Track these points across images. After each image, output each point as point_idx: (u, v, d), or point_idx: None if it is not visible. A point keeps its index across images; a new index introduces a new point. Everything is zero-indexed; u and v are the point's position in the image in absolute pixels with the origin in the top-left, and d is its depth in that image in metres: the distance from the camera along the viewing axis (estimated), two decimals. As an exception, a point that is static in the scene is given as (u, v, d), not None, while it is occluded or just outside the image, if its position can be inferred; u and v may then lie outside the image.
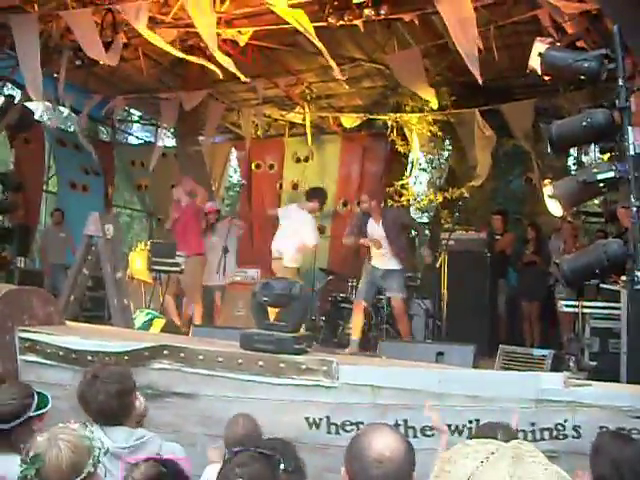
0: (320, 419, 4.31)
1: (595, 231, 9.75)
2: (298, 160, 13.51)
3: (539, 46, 5.41)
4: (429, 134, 11.04)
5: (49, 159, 13.44)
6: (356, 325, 8.56)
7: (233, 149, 14.87)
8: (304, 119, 12.21)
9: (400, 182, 11.21)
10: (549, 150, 5.40)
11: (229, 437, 3.60)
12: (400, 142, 11.39)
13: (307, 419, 4.32)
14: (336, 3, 8.72)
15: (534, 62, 5.41)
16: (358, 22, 8.68)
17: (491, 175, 11.10)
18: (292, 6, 7.85)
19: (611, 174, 4.76)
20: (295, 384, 4.41)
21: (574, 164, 12.92)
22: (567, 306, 7.75)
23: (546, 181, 5.29)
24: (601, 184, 4.81)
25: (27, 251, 12.57)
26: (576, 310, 7.53)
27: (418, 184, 12.62)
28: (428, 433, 4.09)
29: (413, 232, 9.91)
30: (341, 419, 4.25)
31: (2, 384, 3.58)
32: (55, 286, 10.04)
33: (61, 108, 12.53)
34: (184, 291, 9.93)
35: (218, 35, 8.65)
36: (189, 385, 4.67)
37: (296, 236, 9.43)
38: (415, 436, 4.10)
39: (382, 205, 9.01)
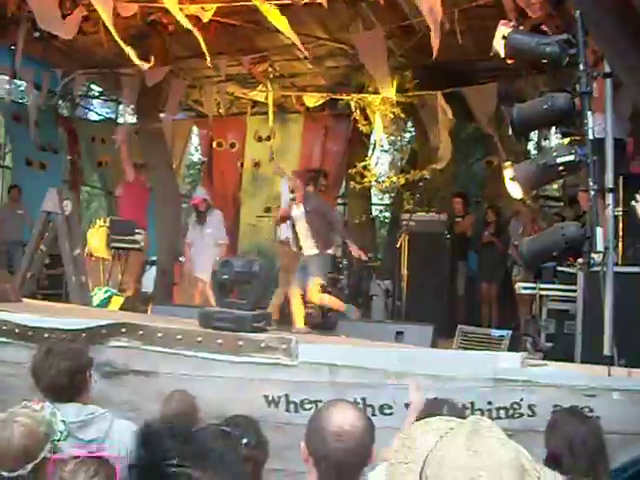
0: (279, 397, 4.32)
1: (552, 214, 9.87)
2: (260, 139, 13.43)
3: (503, 29, 5.40)
4: (392, 116, 11.02)
5: (5, 135, 13.18)
6: (297, 313, 8.22)
7: (195, 127, 14.74)
8: (267, 98, 12.12)
9: (362, 163, 11.20)
10: (510, 133, 5.43)
11: (163, 414, 3.56)
12: (363, 123, 11.36)
13: (266, 397, 4.32)
14: (300, -20, 8.63)
15: (497, 45, 5.42)
16: (322, 0, 8.61)
17: (453, 158, 11.15)
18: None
19: (571, 158, 4.80)
20: (254, 362, 4.42)
21: (535, 148, 13.05)
22: (525, 288, 7.86)
23: (506, 164, 5.31)
24: (561, 168, 4.85)
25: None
26: (534, 292, 7.63)
27: (380, 165, 12.64)
28: (386, 411, 4.13)
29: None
30: (300, 397, 4.26)
31: None
32: (12, 263, 9.90)
33: (18, 82, 12.26)
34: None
35: (181, 11, 8.52)
36: (148, 363, 4.64)
37: None
38: (373, 414, 4.13)
39: (306, 188, 8.80)
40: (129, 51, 8.21)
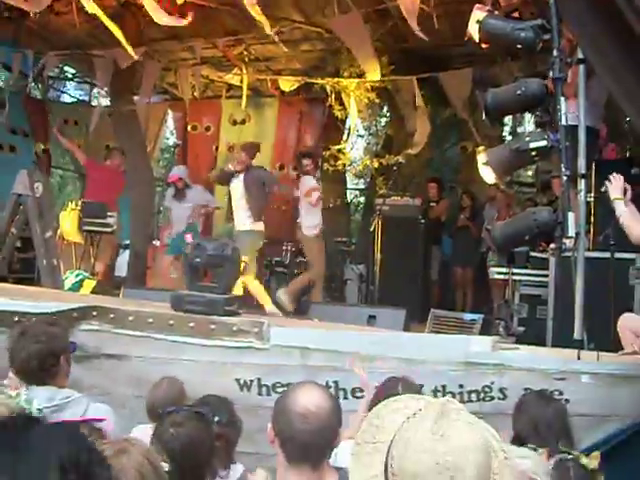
0: (251, 381, 4.32)
1: (525, 200, 9.93)
2: (235, 122, 13.35)
3: (477, 14, 5.40)
4: (367, 100, 11.01)
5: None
6: (260, 295, 8.27)
7: (169, 110, 14.63)
8: (242, 81, 12.05)
9: (337, 146, 11.18)
10: (484, 118, 5.43)
11: (152, 401, 3.54)
12: (338, 107, 11.35)
13: (238, 380, 4.32)
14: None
15: (472, 29, 5.42)
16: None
17: (428, 143, 11.17)
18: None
19: (543, 143, 4.82)
20: (226, 345, 4.41)
21: (509, 134, 13.10)
22: (498, 273, 7.91)
23: (480, 148, 5.33)
24: (533, 153, 4.86)
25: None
26: (506, 277, 7.69)
27: (355, 150, 12.62)
28: (358, 395, 4.14)
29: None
30: (272, 381, 4.27)
31: None
32: (-17, 247, 9.76)
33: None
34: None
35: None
36: (119, 346, 4.62)
37: None
38: (345, 397, 4.15)
39: (249, 162, 8.84)
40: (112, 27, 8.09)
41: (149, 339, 4.56)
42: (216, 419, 2.87)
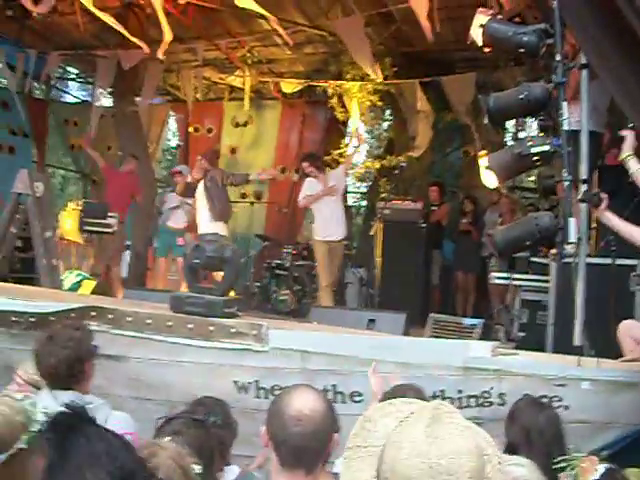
0: (249, 383, 4.30)
1: (527, 205, 9.89)
2: (237, 125, 13.38)
3: (480, 18, 5.40)
4: (369, 103, 11.01)
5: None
6: None
7: (171, 111, 14.64)
8: (244, 83, 12.05)
9: (338, 150, 11.17)
10: (486, 122, 5.42)
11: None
12: (340, 110, 11.34)
13: (236, 383, 4.30)
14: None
15: (475, 33, 5.41)
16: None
17: (430, 147, 11.16)
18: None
19: (546, 148, 4.80)
20: (224, 348, 4.39)
21: (512, 139, 13.06)
22: (499, 278, 7.89)
23: (481, 152, 5.32)
24: (535, 157, 4.85)
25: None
26: (507, 282, 7.66)
27: (357, 153, 12.59)
28: (357, 399, 4.12)
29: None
30: (270, 384, 4.24)
31: None
32: (-17, 247, 9.74)
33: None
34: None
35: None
36: (117, 347, 4.59)
37: None
38: (344, 402, 4.13)
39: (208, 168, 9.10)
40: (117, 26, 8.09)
41: (147, 340, 4.53)
42: (211, 419, 2.85)
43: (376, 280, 9.48)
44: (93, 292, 8.19)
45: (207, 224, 8.71)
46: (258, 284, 10.09)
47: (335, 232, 8.81)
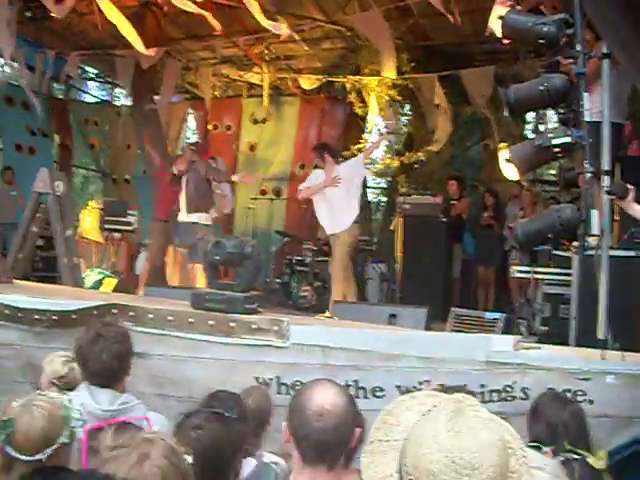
0: (270, 379, 4.29)
1: (548, 198, 9.82)
2: (256, 122, 13.38)
3: (499, 9, 5.35)
4: (388, 98, 10.97)
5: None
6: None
7: (190, 109, 14.67)
8: (262, 80, 12.05)
9: (357, 146, 11.14)
10: (506, 114, 5.38)
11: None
12: (359, 105, 11.32)
13: (257, 379, 4.30)
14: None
15: (494, 25, 5.36)
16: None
17: (449, 141, 11.11)
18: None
19: (566, 139, 4.76)
20: (246, 344, 4.39)
21: (532, 132, 12.97)
22: (520, 272, 7.83)
23: (502, 145, 5.30)
24: (556, 149, 4.80)
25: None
26: (529, 276, 7.61)
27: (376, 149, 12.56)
28: (378, 394, 4.11)
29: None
30: (291, 379, 4.23)
31: None
32: (6, 246, 9.83)
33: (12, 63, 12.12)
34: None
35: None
36: (139, 344, 4.56)
37: None
38: (365, 397, 4.11)
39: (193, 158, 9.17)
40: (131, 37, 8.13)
41: (169, 337, 4.54)
42: (231, 414, 2.84)
43: (397, 275, 9.45)
44: (114, 290, 8.24)
45: (184, 214, 8.82)
46: (279, 280, 10.10)
47: (336, 225, 8.17)
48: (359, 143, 11.33)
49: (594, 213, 4.56)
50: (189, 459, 2.08)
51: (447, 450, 1.32)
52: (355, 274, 10.43)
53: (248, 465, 3.01)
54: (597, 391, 3.89)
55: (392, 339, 4.29)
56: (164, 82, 11.84)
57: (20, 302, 4.88)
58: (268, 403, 3.48)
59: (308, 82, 12.34)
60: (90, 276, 8.40)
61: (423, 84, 10.94)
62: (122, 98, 14.20)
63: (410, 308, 6.70)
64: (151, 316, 4.60)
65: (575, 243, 5.75)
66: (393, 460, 1.44)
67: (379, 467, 1.48)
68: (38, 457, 2.32)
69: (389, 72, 10.16)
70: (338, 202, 8.12)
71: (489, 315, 7.04)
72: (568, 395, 3.71)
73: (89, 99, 17.16)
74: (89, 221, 9.35)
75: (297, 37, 9.63)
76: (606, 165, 4.70)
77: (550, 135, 4.83)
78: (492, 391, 4.04)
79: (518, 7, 5.56)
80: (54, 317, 4.70)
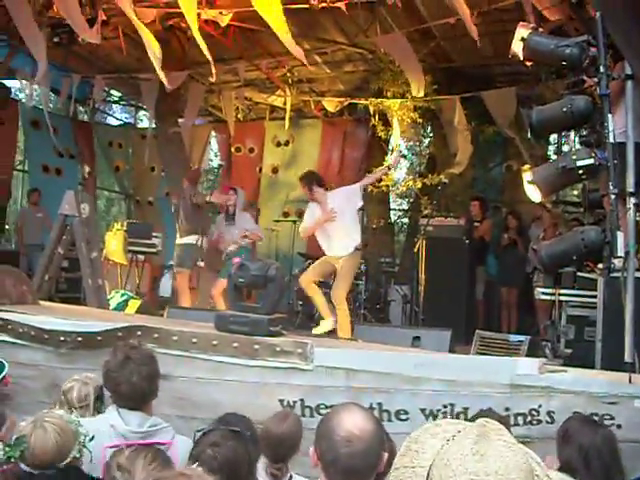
0: (294, 402, 4.28)
1: (571, 220, 9.77)
2: (278, 144, 13.46)
3: (522, 31, 5.36)
4: (410, 120, 10.99)
5: (25, 140, 13.28)
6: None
7: (213, 132, 14.78)
8: (285, 103, 12.13)
9: (380, 168, 11.15)
10: (529, 135, 5.37)
11: (270, 432, 3.36)
12: (381, 128, 11.35)
13: (281, 401, 4.29)
14: (318, -16, 8.64)
15: (516, 47, 5.37)
16: (341, 4, 8.60)
17: (471, 163, 11.11)
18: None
19: (590, 161, 4.75)
20: (270, 366, 4.38)
21: (555, 153, 12.93)
22: (544, 294, 7.77)
23: (525, 167, 5.28)
24: (580, 171, 4.79)
25: (1, 231, 12.45)
26: (553, 298, 7.55)
27: (398, 170, 12.59)
28: (402, 417, 4.08)
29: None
30: (315, 402, 4.22)
31: None
32: (31, 267, 9.93)
33: (38, 87, 12.32)
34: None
35: (199, 16, 8.54)
36: (163, 366, 4.57)
37: None
38: (390, 420, 4.08)
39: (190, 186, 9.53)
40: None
41: (193, 359, 4.55)
42: (246, 433, 2.84)
43: (420, 297, 9.41)
44: (137, 311, 8.28)
45: (178, 238, 9.27)
46: (301, 302, 10.08)
47: (339, 250, 7.81)
48: (381, 165, 11.34)
49: (619, 235, 4.53)
50: None
51: (473, 473, 1.32)
52: (378, 295, 10.43)
53: None
54: (625, 415, 3.84)
55: (416, 362, 4.27)
56: (188, 105, 11.95)
57: (46, 323, 4.91)
58: (300, 429, 3.46)
59: (331, 104, 12.40)
60: (114, 297, 8.46)
61: (445, 106, 10.96)
62: (145, 120, 14.32)
63: (434, 330, 6.68)
64: (175, 338, 4.61)
65: (600, 265, 5.71)
66: None
67: None
68: (49, 472, 2.35)
69: (416, 91, 10.18)
70: (336, 233, 7.85)
71: (513, 337, 7.00)
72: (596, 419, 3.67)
73: (113, 122, 17.39)
74: (114, 244, 9.42)
75: (319, 60, 9.67)
76: (631, 186, 4.68)
77: (574, 157, 4.82)
78: (517, 414, 4.01)
79: (540, 29, 5.58)
80: (79, 338, 4.72)
